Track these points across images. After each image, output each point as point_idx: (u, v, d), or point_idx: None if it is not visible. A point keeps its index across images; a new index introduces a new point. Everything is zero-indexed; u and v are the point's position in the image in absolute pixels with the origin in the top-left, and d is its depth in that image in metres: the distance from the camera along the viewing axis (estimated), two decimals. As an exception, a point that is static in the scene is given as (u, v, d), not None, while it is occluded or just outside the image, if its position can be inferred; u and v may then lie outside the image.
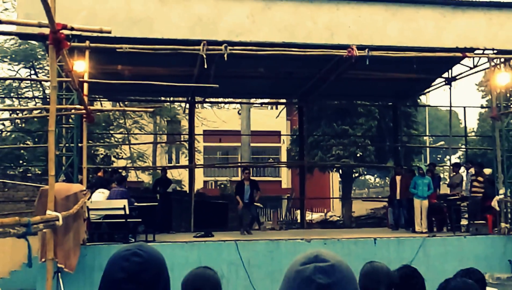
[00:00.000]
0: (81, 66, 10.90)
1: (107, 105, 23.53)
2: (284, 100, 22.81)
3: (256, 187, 14.20)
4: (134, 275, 1.56)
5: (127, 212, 10.94)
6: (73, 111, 11.00)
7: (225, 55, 11.55)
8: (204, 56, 11.50)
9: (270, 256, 11.06)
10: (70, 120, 12.06)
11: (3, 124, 22.66)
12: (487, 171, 15.36)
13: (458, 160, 30.16)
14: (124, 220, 11.02)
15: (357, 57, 12.08)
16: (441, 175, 28.67)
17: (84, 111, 10.42)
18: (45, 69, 22.77)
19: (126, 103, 21.33)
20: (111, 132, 24.45)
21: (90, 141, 17.63)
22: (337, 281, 1.21)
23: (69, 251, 9.27)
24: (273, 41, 12.23)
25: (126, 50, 11.33)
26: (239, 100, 23.84)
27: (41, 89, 23.09)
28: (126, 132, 25.51)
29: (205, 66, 11.74)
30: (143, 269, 1.58)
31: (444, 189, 17.45)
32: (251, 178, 14.78)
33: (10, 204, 17.06)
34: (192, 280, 2.55)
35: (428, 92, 19.29)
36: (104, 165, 13.82)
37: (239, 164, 27.27)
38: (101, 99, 20.25)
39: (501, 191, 12.93)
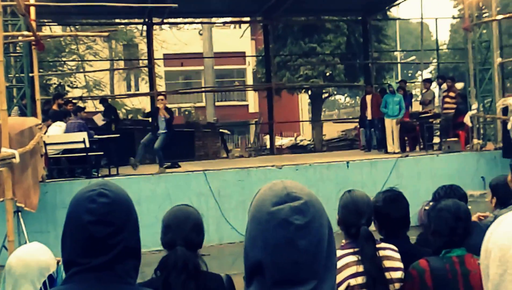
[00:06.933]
0: (25, -12, 10.41)
1: (58, 30, 22.75)
2: (247, 18, 22.39)
3: None
4: (103, 216, 1.53)
5: (87, 145, 10.85)
6: (20, 38, 10.66)
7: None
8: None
9: (241, 185, 11.19)
10: (18, 48, 11.70)
11: None
12: (459, 85, 15.55)
13: (430, 75, 30.53)
14: (84, 154, 10.94)
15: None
16: (413, 92, 29.13)
17: (32, 37, 10.13)
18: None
19: (77, 27, 20.64)
20: (64, 59, 23.77)
21: (41, 70, 17.14)
22: (312, 219, 1.21)
23: (28, 189, 9.21)
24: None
25: (73, -31, 10.85)
26: (200, 20, 23.30)
27: (-19, 15, 22.11)
28: (79, 59, 24.83)
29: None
30: (112, 210, 1.54)
31: (416, 107, 17.72)
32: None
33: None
34: (173, 218, 2.60)
35: (399, 3, 19.15)
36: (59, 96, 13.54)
37: (203, 89, 27.07)
38: (51, 24, 19.54)
39: (474, 106, 13.11)
